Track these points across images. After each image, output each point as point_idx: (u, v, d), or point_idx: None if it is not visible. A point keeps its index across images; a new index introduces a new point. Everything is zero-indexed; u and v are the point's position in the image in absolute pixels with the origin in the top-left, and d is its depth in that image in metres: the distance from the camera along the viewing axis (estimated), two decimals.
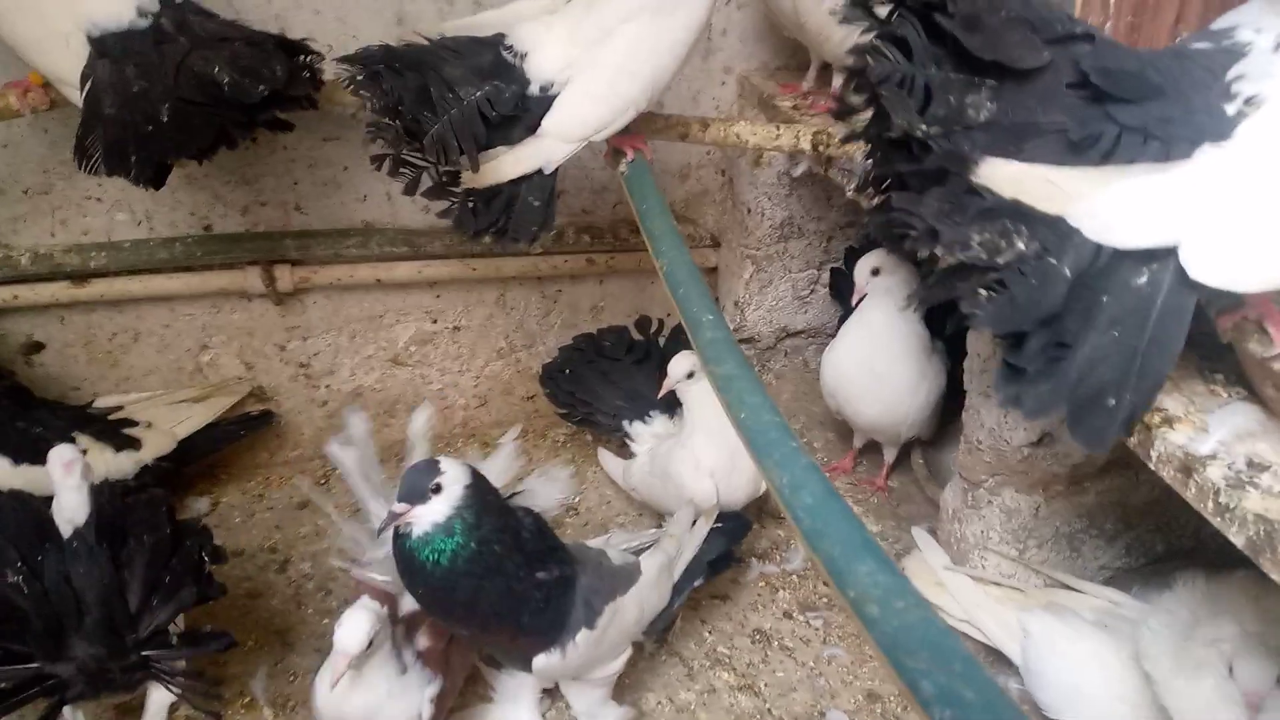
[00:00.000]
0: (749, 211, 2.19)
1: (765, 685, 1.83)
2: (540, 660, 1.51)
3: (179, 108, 1.48)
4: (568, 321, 2.40)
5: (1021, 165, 0.92)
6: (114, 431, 1.95)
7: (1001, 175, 0.93)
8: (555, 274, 2.30)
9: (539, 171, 1.52)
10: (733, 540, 1.86)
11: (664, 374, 1.88)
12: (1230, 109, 0.90)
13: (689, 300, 1.22)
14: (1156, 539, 1.61)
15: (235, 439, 2.19)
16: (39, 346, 2.10)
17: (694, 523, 1.81)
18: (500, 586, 1.42)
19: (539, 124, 1.51)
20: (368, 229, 2.14)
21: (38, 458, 1.85)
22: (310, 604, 1.98)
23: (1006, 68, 0.93)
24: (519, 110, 1.50)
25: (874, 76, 0.96)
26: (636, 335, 2.21)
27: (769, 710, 1.79)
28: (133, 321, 2.12)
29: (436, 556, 1.36)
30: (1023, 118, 0.93)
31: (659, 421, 2.09)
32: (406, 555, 1.38)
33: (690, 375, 1.84)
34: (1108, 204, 0.90)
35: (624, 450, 2.13)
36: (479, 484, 1.40)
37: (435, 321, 2.31)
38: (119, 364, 2.16)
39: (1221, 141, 0.89)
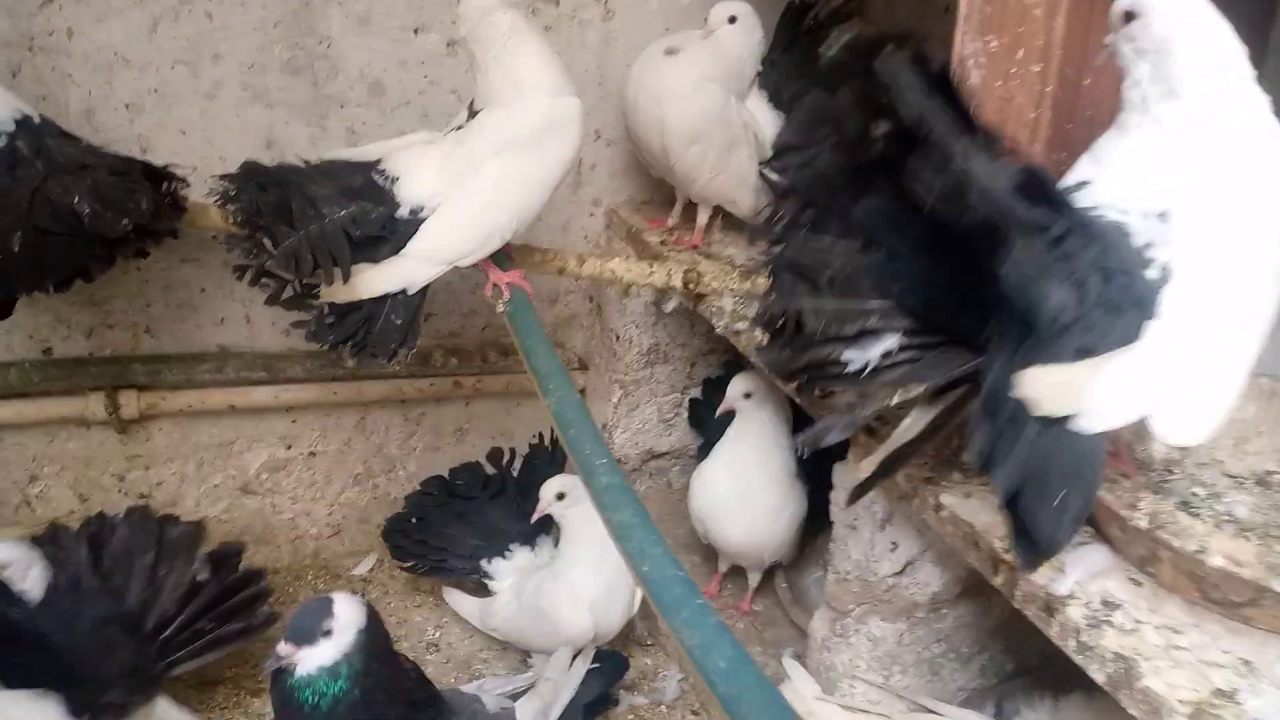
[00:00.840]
0: (617, 338, 2.24)
1: None
2: None
3: (32, 238, 1.41)
4: (430, 445, 2.36)
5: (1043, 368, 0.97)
6: None
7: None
8: (420, 396, 2.26)
9: (403, 291, 1.54)
10: (610, 681, 1.82)
11: (527, 503, 1.88)
12: (1151, 276, 0.98)
13: (581, 442, 1.23)
14: (1007, 659, 1.70)
15: None
16: None
17: (571, 663, 1.78)
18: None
19: (405, 245, 1.54)
20: (224, 352, 2.06)
21: None
22: None
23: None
24: (386, 231, 1.53)
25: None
26: (490, 469, 2.17)
27: None
28: None
29: (317, 700, 1.29)
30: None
31: (520, 555, 2.05)
32: (286, 693, 1.31)
33: (561, 497, 1.85)
34: (1100, 393, 0.95)
35: (480, 590, 2.09)
36: (373, 628, 1.34)
37: (290, 447, 2.23)
38: None
39: (1156, 315, 0.97)
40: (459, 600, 2.13)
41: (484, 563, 2.05)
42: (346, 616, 1.31)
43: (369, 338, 1.53)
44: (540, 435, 2.15)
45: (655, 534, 1.00)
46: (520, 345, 1.52)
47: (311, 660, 1.30)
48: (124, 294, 1.95)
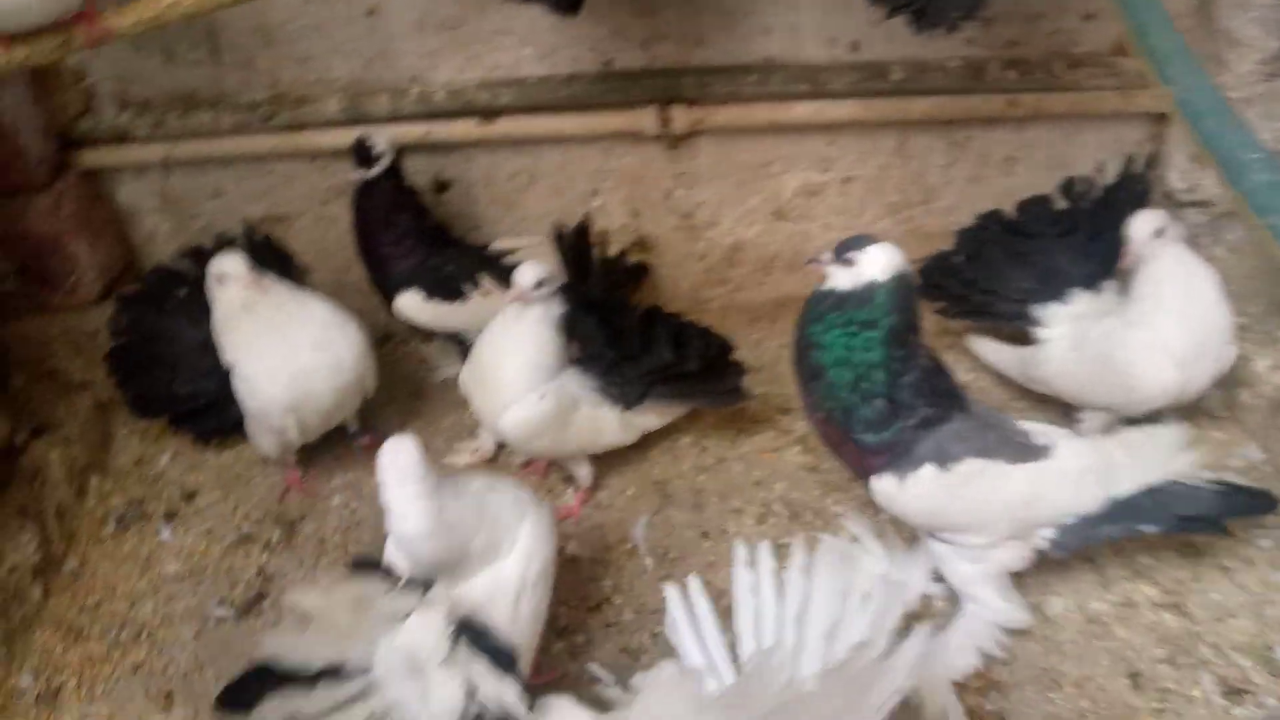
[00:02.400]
0: (1231, 42, 1.78)
1: (1195, 606, 1.58)
2: (875, 482, 1.46)
3: None
4: (973, 174, 2.13)
5: None
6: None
7: None
8: (968, 117, 2.03)
9: None
10: (1230, 511, 1.52)
11: (1099, 243, 1.65)
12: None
13: (1219, 136, 0.96)
14: None
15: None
16: (446, 185, 2.18)
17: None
18: (851, 373, 1.41)
19: None
20: (768, 65, 1.98)
21: (448, 295, 1.96)
22: (686, 459, 1.97)
23: None
24: None
25: None
26: (1062, 203, 1.91)
27: (1200, 635, 1.54)
28: (530, 163, 2.14)
29: (836, 314, 1.40)
30: None
31: (1080, 300, 1.81)
32: (811, 301, 1.44)
33: (1158, 234, 1.55)
34: None
35: (1016, 339, 1.89)
36: (905, 285, 1.40)
37: (825, 171, 2.14)
38: (515, 206, 2.20)
39: None
40: (991, 348, 1.96)
41: (1035, 308, 1.84)
42: (886, 260, 1.37)
43: (929, 3, 1.40)
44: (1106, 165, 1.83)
45: None
46: (1130, 23, 1.22)
47: (843, 278, 1.39)
48: (674, 3, 1.93)
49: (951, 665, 1.48)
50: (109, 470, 2.02)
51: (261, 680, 1.12)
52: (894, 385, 1.41)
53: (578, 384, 1.77)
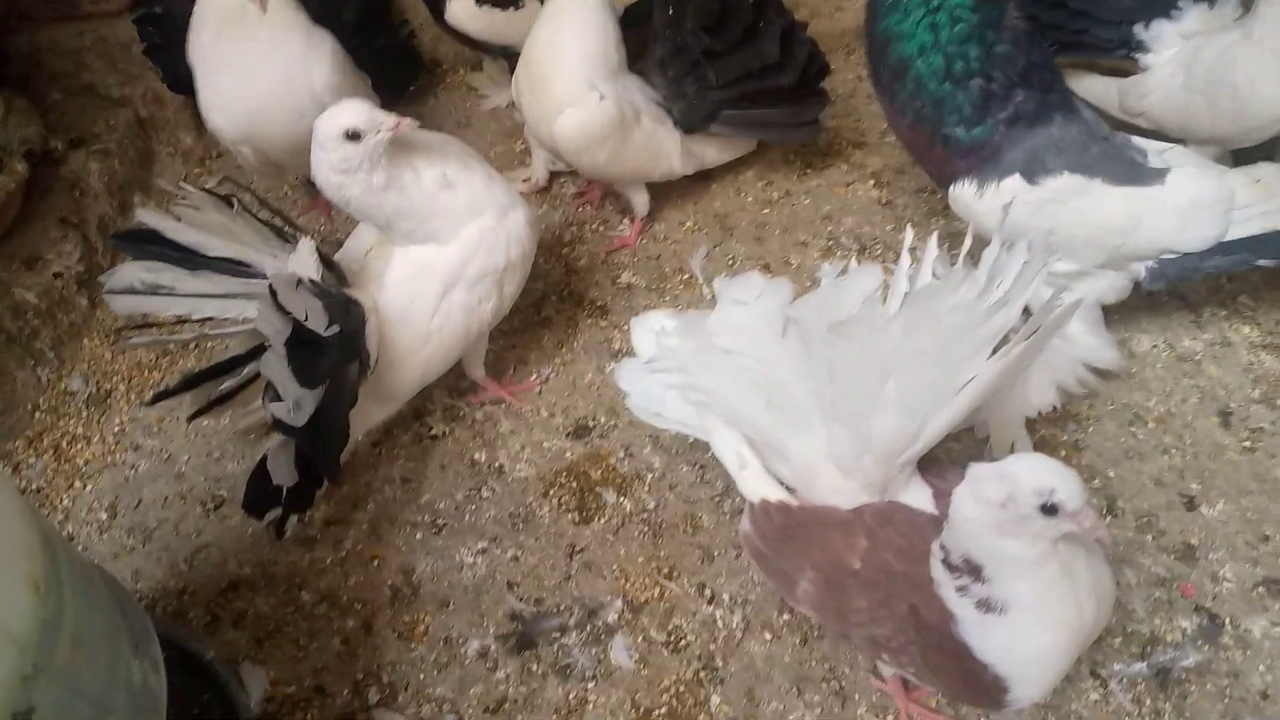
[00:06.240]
0: None
1: None
2: (955, 188, 1.34)
3: None
4: None
5: None
6: None
7: None
8: None
9: None
10: None
11: None
12: None
13: None
14: None
15: None
16: None
17: None
18: (940, 58, 1.25)
19: None
20: None
21: (500, 1, 1.78)
22: (749, 193, 1.84)
23: None
24: None
25: None
26: None
27: None
28: None
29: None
30: None
31: (1192, 14, 1.57)
32: None
33: None
34: None
35: (1116, 71, 1.67)
36: None
37: None
38: None
39: None
40: (1088, 82, 1.72)
41: (1138, 28, 1.61)
42: None
43: None
44: None
45: None
46: None
47: None
48: None
49: (1027, 401, 1.38)
50: (151, 189, 1.96)
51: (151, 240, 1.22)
52: (988, 59, 1.26)
53: (640, 92, 1.62)
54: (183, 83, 1.67)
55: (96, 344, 1.69)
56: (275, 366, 1.13)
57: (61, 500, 1.47)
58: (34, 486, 1.49)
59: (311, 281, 1.20)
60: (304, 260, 1.23)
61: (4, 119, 1.74)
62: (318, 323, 1.15)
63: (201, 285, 1.25)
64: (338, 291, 1.25)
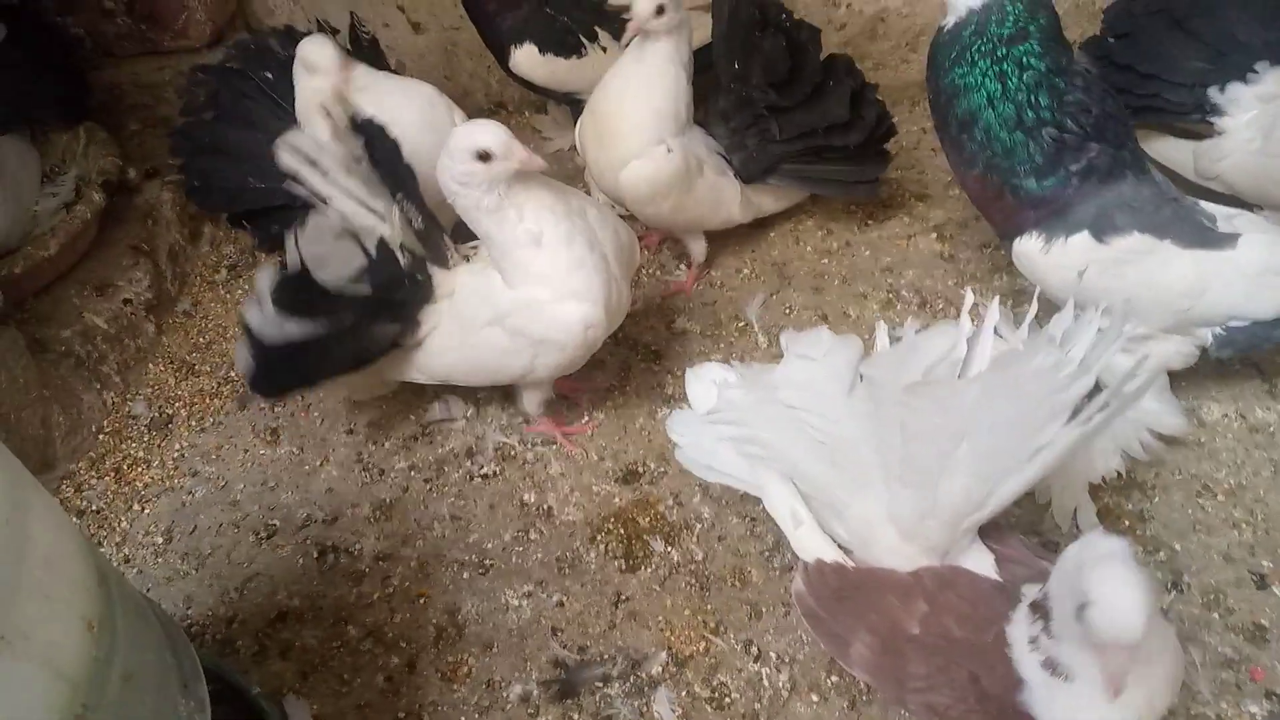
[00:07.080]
0: None
1: None
2: (1020, 242, 1.31)
3: None
4: None
5: None
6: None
7: None
8: None
9: None
10: None
11: None
12: None
13: None
14: None
15: None
16: None
17: None
18: (1010, 107, 1.25)
19: None
20: None
21: (565, 50, 1.82)
22: (808, 242, 1.83)
23: None
24: None
25: None
26: None
27: None
28: None
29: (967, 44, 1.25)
30: None
31: (1270, 78, 1.53)
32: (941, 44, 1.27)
33: None
34: None
35: (1190, 134, 1.61)
36: None
37: None
38: None
39: None
40: (1163, 145, 1.67)
41: (1213, 91, 1.58)
42: None
43: None
44: None
45: None
46: None
47: None
48: None
49: (1091, 466, 1.35)
50: (221, 220, 2.00)
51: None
52: (1060, 107, 1.24)
53: (704, 143, 1.63)
54: (211, 197, 1.75)
55: (161, 369, 1.73)
56: (265, 277, 1.27)
57: (120, 522, 1.50)
58: (94, 508, 1.52)
59: (382, 241, 1.31)
60: (393, 226, 1.33)
61: (85, 149, 1.81)
62: (341, 272, 1.28)
63: (351, 184, 1.32)
64: (412, 260, 1.33)
